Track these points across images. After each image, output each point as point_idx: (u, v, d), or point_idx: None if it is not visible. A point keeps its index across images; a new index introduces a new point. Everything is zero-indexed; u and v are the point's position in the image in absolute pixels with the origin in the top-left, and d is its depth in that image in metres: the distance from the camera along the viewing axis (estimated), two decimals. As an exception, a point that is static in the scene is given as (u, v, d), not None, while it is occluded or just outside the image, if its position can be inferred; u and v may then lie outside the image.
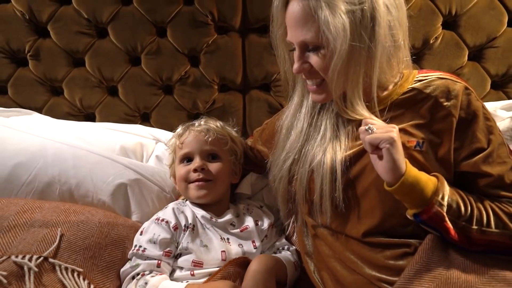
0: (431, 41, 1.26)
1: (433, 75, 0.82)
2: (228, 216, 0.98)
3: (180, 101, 1.35)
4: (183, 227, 0.92)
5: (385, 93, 0.82)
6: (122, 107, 1.37)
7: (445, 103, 0.77)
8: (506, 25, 1.25)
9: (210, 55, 1.29)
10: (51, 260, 0.84)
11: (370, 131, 0.72)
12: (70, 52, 1.31)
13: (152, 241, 0.89)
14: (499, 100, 1.29)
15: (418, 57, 1.28)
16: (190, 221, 0.94)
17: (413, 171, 0.73)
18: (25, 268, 0.80)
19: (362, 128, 0.74)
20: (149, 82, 1.33)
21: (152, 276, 0.84)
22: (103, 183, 1.05)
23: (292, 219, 1.04)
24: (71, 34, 1.28)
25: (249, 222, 0.99)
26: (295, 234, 1.04)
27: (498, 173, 0.76)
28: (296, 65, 0.79)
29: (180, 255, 0.91)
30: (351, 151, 0.82)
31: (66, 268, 0.84)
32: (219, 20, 1.26)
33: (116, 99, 1.37)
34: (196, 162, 0.98)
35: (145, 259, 0.87)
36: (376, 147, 0.72)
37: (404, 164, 0.72)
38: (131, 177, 1.07)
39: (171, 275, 0.89)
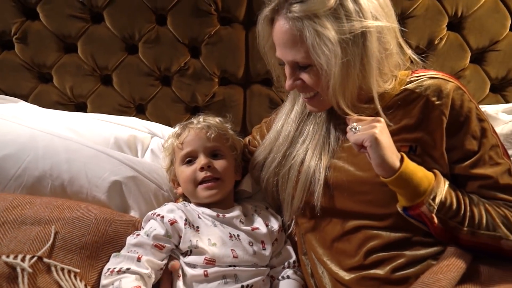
0: (436, 42, 1.26)
1: (425, 75, 0.81)
2: (235, 212, 0.96)
3: (178, 93, 1.32)
4: (184, 221, 0.89)
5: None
6: (116, 97, 1.32)
7: (437, 102, 0.77)
8: (508, 29, 1.26)
9: (211, 47, 1.26)
10: (46, 260, 0.78)
11: (354, 130, 0.73)
12: (61, 36, 1.25)
13: (146, 234, 0.88)
14: (497, 104, 1.29)
15: (423, 58, 1.26)
16: (191, 220, 0.91)
17: (410, 166, 0.72)
18: (18, 269, 0.74)
19: (348, 128, 0.75)
20: (146, 72, 1.29)
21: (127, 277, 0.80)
22: (98, 178, 1.00)
23: (293, 220, 1.01)
24: (62, 17, 1.22)
25: (259, 223, 0.96)
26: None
27: (491, 174, 0.76)
28: (288, 83, 0.80)
29: (190, 252, 0.88)
30: (337, 157, 0.84)
31: (63, 269, 0.78)
32: (222, 10, 1.23)
33: (110, 89, 1.32)
34: (201, 160, 0.95)
35: (133, 245, 0.86)
36: (361, 146, 0.72)
37: (396, 158, 0.71)
38: (128, 174, 1.02)
39: (183, 274, 0.86)
